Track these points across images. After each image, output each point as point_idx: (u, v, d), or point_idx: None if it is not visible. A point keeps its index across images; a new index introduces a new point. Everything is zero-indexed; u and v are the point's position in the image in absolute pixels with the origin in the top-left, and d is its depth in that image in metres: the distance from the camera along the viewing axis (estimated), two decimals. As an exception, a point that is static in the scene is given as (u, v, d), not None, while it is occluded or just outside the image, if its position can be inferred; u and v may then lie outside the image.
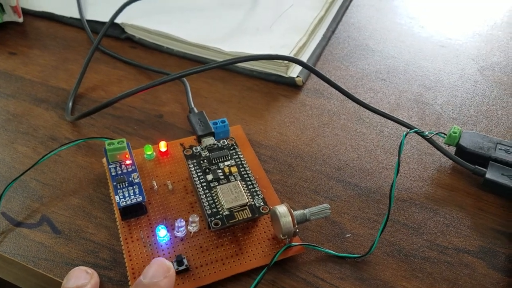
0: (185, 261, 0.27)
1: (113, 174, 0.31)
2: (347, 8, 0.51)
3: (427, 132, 0.33)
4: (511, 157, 0.32)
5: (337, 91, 0.37)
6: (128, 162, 0.31)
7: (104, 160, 0.33)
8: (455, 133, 0.33)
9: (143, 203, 0.29)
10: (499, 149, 0.33)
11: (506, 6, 0.51)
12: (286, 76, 0.41)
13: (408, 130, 0.31)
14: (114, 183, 0.30)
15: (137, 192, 0.30)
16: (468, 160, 0.33)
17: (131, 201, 0.29)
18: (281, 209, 0.28)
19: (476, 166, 0.32)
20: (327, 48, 0.46)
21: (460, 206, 0.32)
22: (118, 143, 0.31)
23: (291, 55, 0.42)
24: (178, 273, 0.27)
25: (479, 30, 0.48)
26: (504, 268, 0.28)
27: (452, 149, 0.34)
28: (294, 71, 0.42)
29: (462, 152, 0.33)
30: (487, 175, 0.31)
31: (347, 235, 0.30)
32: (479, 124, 0.38)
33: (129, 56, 0.44)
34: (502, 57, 0.45)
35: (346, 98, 0.37)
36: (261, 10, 0.48)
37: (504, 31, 0.48)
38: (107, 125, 0.37)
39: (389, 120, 0.36)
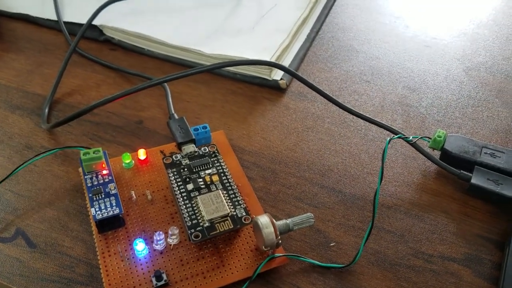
0: (164, 276, 0.26)
1: (89, 185, 0.30)
2: (331, 8, 0.50)
3: (411, 137, 0.33)
4: (496, 161, 0.32)
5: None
6: (104, 172, 0.30)
7: (81, 169, 0.32)
8: (440, 137, 0.33)
9: (120, 215, 0.28)
10: (485, 153, 0.33)
11: (492, 4, 0.51)
12: (270, 79, 0.40)
13: (392, 136, 0.31)
14: (90, 195, 0.29)
15: (114, 204, 0.29)
16: (454, 165, 0.33)
17: (107, 214, 0.28)
18: (263, 220, 0.27)
19: (462, 170, 0.32)
20: (311, 49, 0.45)
21: (446, 212, 0.31)
22: (93, 153, 0.30)
23: (274, 57, 0.41)
24: (157, 288, 0.26)
25: (464, 29, 0.47)
26: (490, 276, 0.28)
27: (437, 153, 0.34)
28: (278, 74, 0.41)
29: (447, 156, 0.33)
30: (473, 180, 0.31)
31: (331, 244, 0.30)
32: (464, 126, 0.37)
33: (108, 59, 0.43)
34: (487, 57, 0.44)
35: (331, 101, 0.36)
36: (244, 10, 0.47)
37: (490, 30, 0.47)
38: (85, 132, 0.36)
39: (373, 124, 0.36)
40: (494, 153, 0.33)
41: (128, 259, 0.28)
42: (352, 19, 0.49)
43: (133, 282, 0.27)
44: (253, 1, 0.48)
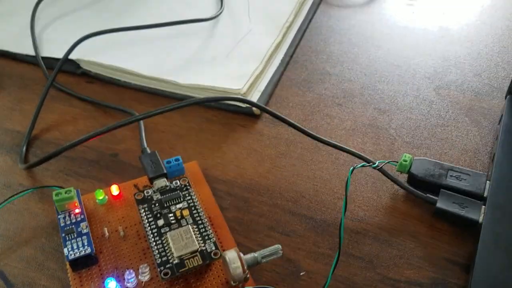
0: (135, 314, 0.27)
1: (62, 225, 0.30)
2: (304, 31, 0.51)
3: (377, 162, 0.33)
4: (462, 184, 0.33)
5: (294, 119, 0.37)
6: (77, 211, 0.31)
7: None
8: (406, 161, 0.34)
9: (92, 254, 0.29)
10: (450, 175, 0.33)
11: (463, 20, 0.52)
12: (244, 106, 0.41)
13: (355, 165, 0.31)
14: (63, 235, 0.30)
15: (85, 244, 0.29)
16: (420, 188, 0.33)
17: (79, 254, 0.29)
18: (230, 255, 0.28)
19: (428, 194, 0.33)
20: (285, 73, 0.46)
21: (413, 236, 0.32)
22: (65, 193, 0.31)
23: (248, 84, 0.42)
24: (128, 326, 0.27)
25: (435, 46, 0.48)
26: (456, 298, 0.29)
27: (404, 176, 0.34)
28: (252, 100, 0.42)
29: (413, 179, 0.34)
30: (438, 204, 0.32)
31: (301, 273, 0.30)
32: (433, 147, 0.38)
33: (86, 92, 0.44)
34: (458, 75, 0.45)
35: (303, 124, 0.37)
36: (218, 38, 0.48)
37: (461, 46, 0.48)
38: (61, 168, 0.37)
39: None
40: (459, 176, 0.33)
41: (101, 297, 0.28)
42: (326, 41, 0.50)
43: (106, 320, 0.27)
44: (227, 29, 0.49)
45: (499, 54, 0.47)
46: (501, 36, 0.50)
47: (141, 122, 0.39)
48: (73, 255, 0.29)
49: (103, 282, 0.29)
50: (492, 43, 0.49)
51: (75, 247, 0.29)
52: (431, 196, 0.32)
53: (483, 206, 0.31)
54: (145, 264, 0.29)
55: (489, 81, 0.44)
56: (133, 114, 0.40)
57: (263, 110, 0.37)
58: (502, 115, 0.38)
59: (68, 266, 0.30)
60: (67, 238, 0.30)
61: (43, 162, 0.35)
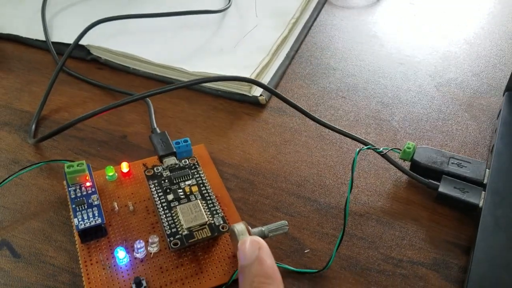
0: (143, 282, 0.27)
1: (73, 196, 0.31)
2: (310, 28, 0.52)
3: (381, 148, 0.34)
4: (463, 171, 0.34)
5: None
6: (88, 184, 0.31)
7: (65, 182, 0.33)
8: (409, 148, 0.35)
9: (102, 225, 0.29)
10: (452, 163, 0.34)
11: (462, 23, 0.53)
12: (250, 95, 0.42)
13: (362, 147, 0.32)
14: (73, 206, 0.30)
15: (96, 214, 0.30)
16: (423, 175, 0.34)
17: (90, 224, 0.29)
18: (239, 227, 0.28)
19: (430, 180, 0.34)
20: (290, 67, 0.47)
21: (415, 220, 0.33)
22: (77, 166, 0.31)
23: (254, 74, 0.43)
24: (137, 294, 0.27)
25: (437, 48, 0.50)
26: (456, 279, 0.29)
27: (407, 164, 0.35)
28: (258, 90, 0.43)
29: (416, 166, 0.35)
30: (440, 189, 0.33)
31: (306, 251, 0.31)
32: (434, 139, 0.39)
33: (95, 78, 0.44)
34: (458, 73, 0.46)
35: (308, 115, 0.38)
36: (225, 31, 0.49)
37: (461, 48, 0.50)
38: (70, 147, 0.37)
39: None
40: (460, 163, 0.34)
41: (109, 267, 0.29)
42: (330, 39, 0.51)
43: (114, 288, 0.28)
44: (234, 23, 0.50)
45: (496, 57, 0.49)
46: (498, 40, 0.51)
47: (151, 103, 0.40)
48: (83, 225, 0.29)
49: (112, 253, 0.29)
50: (490, 46, 0.50)
51: (85, 217, 0.30)
52: (433, 182, 0.33)
53: (483, 192, 0.32)
54: (155, 235, 0.29)
55: (487, 80, 0.45)
56: (146, 101, 0.41)
57: (272, 92, 0.38)
58: (500, 110, 0.39)
59: (76, 237, 0.30)
60: (78, 209, 0.30)
61: (53, 135, 0.35)
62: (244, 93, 0.42)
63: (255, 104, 0.42)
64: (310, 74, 0.46)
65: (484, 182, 0.33)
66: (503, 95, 0.41)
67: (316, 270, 0.29)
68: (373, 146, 0.34)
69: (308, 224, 0.33)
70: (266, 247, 0.26)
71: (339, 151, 0.38)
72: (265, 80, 0.44)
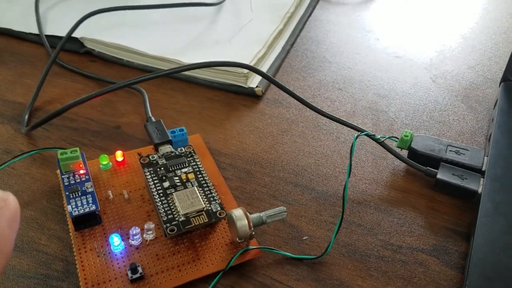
0: (139, 269, 0.27)
1: (66, 184, 0.30)
2: (305, 22, 0.52)
3: (379, 136, 0.34)
4: (461, 158, 0.34)
5: (295, 101, 0.38)
6: (81, 171, 0.31)
7: (58, 171, 0.32)
8: (407, 136, 0.34)
9: (96, 212, 0.29)
10: (450, 150, 0.34)
11: (459, 19, 0.54)
12: (246, 86, 0.42)
13: (359, 133, 0.32)
14: (67, 193, 0.29)
15: (90, 201, 0.29)
16: (421, 163, 0.34)
17: (83, 211, 0.28)
18: (237, 212, 0.28)
19: (428, 167, 0.33)
20: (286, 60, 0.47)
21: (414, 207, 0.32)
22: (71, 152, 0.31)
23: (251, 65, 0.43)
24: (132, 281, 0.27)
25: (432, 41, 0.50)
26: (456, 264, 0.29)
27: (404, 152, 0.35)
28: (254, 81, 0.42)
29: (414, 154, 0.34)
30: (438, 176, 0.32)
31: (304, 238, 0.30)
32: (431, 129, 0.39)
33: (89, 70, 0.44)
34: (453, 66, 0.46)
35: (304, 107, 0.38)
36: (221, 24, 0.49)
37: (456, 42, 0.50)
38: (63, 137, 0.37)
39: (345, 127, 0.37)
40: (458, 151, 0.34)
41: (104, 254, 0.28)
42: (326, 33, 0.51)
43: (109, 276, 0.27)
44: (230, 16, 0.50)
45: (491, 50, 0.49)
46: (493, 34, 0.51)
47: (145, 93, 0.39)
48: (77, 211, 0.28)
49: (107, 240, 0.29)
50: (485, 40, 0.50)
51: (79, 204, 0.29)
52: (431, 169, 0.33)
53: (482, 178, 0.32)
54: (150, 222, 0.29)
55: (483, 73, 0.46)
56: (140, 91, 0.40)
57: (270, 80, 0.38)
58: (497, 100, 0.39)
59: (70, 225, 0.30)
60: (71, 196, 0.29)
61: (45, 121, 0.35)
62: (240, 84, 0.42)
63: (251, 95, 0.42)
64: (306, 67, 0.46)
65: (483, 169, 0.33)
66: (499, 86, 0.41)
67: (315, 257, 0.29)
68: (370, 132, 0.34)
69: (306, 212, 0.32)
70: (10, 211, 0.19)
71: (336, 141, 0.38)
72: (261, 72, 0.44)
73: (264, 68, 0.45)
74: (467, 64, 0.47)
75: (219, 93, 0.42)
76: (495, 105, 0.39)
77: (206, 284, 0.27)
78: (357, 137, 0.31)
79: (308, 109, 0.38)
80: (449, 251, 0.30)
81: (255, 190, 0.34)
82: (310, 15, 0.54)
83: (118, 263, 0.28)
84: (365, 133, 0.33)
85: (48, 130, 0.37)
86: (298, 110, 0.41)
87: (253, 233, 0.28)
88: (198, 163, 0.32)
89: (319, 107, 0.39)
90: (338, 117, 0.36)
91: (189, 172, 0.32)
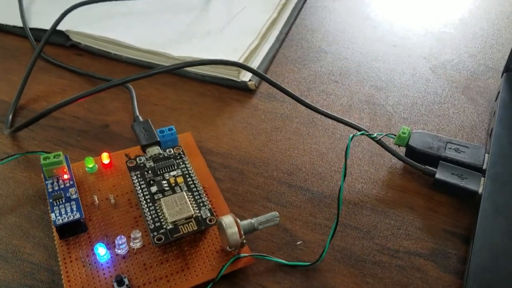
0: (125, 280, 0.26)
1: (50, 190, 0.29)
2: (300, 10, 0.50)
3: (375, 134, 0.33)
4: (461, 156, 0.32)
5: (290, 94, 0.36)
6: (65, 176, 0.30)
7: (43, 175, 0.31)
8: (404, 133, 0.33)
9: (81, 220, 0.28)
10: (449, 148, 0.33)
11: (458, 4, 0.52)
12: (238, 80, 0.40)
13: (355, 132, 0.31)
14: (50, 200, 0.28)
15: (74, 209, 0.28)
16: (419, 160, 0.33)
17: (67, 219, 0.27)
18: (227, 220, 0.27)
19: (426, 166, 0.32)
20: (280, 50, 0.45)
21: (411, 208, 0.31)
22: (54, 157, 0.29)
23: (243, 58, 0.41)
24: (119, 292, 0.26)
25: (431, 29, 0.48)
26: (455, 269, 0.28)
27: (402, 150, 0.34)
28: (247, 75, 0.41)
29: (412, 152, 0.33)
30: (437, 175, 0.31)
31: (298, 243, 0.29)
32: (430, 123, 0.38)
33: (75, 64, 0.42)
34: (454, 55, 0.45)
35: (299, 101, 0.36)
36: (212, 13, 0.47)
37: (456, 29, 0.48)
38: (49, 138, 0.36)
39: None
40: (458, 148, 0.33)
41: (90, 264, 0.27)
42: (321, 21, 0.49)
43: (95, 287, 0.26)
44: (221, 5, 0.48)
45: (493, 37, 0.47)
46: (494, 20, 0.50)
47: (133, 90, 0.38)
48: (60, 220, 0.27)
49: (93, 249, 0.28)
50: (487, 26, 0.49)
51: (63, 212, 0.28)
52: (429, 168, 0.32)
53: (483, 178, 0.31)
54: (137, 230, 0.28)
55: (484, 61, 0.44)
56: (128, 87, 0.39)
57: (262, 77, 0.36)
58: (499, 92, 0.37)
59: (55, 233, 0.28)
60: (55, 204, 0.28)
61: (29, 124, 0.34)
62: (232, 78, 0.40)
63: (244, 89, 0.40)
64: (301, 57, 0.44)
65: (484, 168, 0.32)
66: (502, 76, 0.39)
67: (309, 263, 0.28)
68: (367, 131, 0.32)
69: (300, 215, 0.31)
70: None
71: (332, 138, 0.36)
72: (255, 64, 0.42)
73: (258, 60, 0.43)
74: (468, 52, 0.45)
75: (211, 88, 0.41)
76: (497, 98, 0.38)
77: (196, 293, 0.27)
78: (352, 137, 0.30)
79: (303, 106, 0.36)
80: (448, 255, 0.29)
81: (248, 191, 0.32)
82: (305, 1, 0.52)
83: (104, 274, 0.27)
84: (361, 132, 0.31)
85: (33, 130, 0.36)
86: (292, 105, 0.39)
87: (244, 241, 0.27)
88: (188, 165, 0.31)
89: (314, 101, 0.38)
90: (334, 114, 0.35)
91: (178, 176, 0.30)
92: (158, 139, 0.32)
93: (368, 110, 0.39)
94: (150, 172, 0.30)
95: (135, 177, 0.30)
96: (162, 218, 0.28)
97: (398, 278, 0.28)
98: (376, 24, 0.49)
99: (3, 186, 0.32)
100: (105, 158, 0.32)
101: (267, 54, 0.44)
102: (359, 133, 0.31)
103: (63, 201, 0.28)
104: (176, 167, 0.31)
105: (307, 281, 0.27)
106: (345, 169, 0.28)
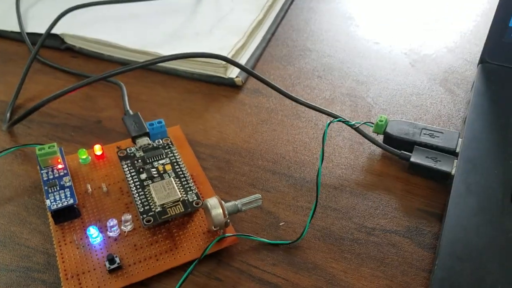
0: (116, 259, 0.27)
1: (45, 179, 0.31)
2: (286, 11, 0.52)
3: (353, 122, 0.34)
4: (435, 141, 0.34)
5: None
6: (60, 166, 0.31)
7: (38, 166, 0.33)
8: (382, 121, 0.35)
9: (74, 205, 0.29)
10: (424, 133, 0.35)
11: (437, 3, 0.54)
12: (226, 77, 0.42)
13: (332, 119, 0.33)
14: (46, 188, 0.30)
15: (68, 195, 0.30)
16: (396, 147, 0.34)
17: (62, 204, 0.29)
18: (212, 201, 0.28)
19: (402, 151, 0.34)
20: (266, 49, 0.47)
21: (389, 190, 0.33)
22: (49, 148, 0.31)
23: (230, 55, 0.43)
24: (110, 271, 0.27)
25: (411, 26, 0.50)
26: (429, 245, 0.30)
27: (380, 138, 0.36)
28: (234, 72, 0.43)
29: (389, 139, 0.35)
30: (412, 159, 0.33)
31: (280, 224, 0.31)
32: (408, 113, 0.39)
33: (70, 66, 0.44)
34: (433, 50, 0.47)
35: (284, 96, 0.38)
36: (200, 15, 0.49)
37: (435, 25, 0.50)
38: (44, 133, 0.37)
39: (323, 114, 0.38)
40: (433, 134, 0.35)
41: (83, 246, 0.29)
42: (306, 21, 0.51)
43: (88, 267, 0.28)
44: (210, 7, 0.50)
45: (471, 32, 0.49)
46: (473, 16, 0.51)
47: (123, 86, 0.40)
48: (55, 205, 0.29)
49: (86, 233, 0.29)
50: (465, 22, 0.50)
51: (57, 198, 0.30)
52: (405, 152, 0.34)
53: (455, 160, 0.32)
54: (128, 213, 0.29)
55: (462, 55, 0.46)
56: (119, 84, 0.41)
57: (247, 72, 0.38)
58: (474, 82, 0.39)
59: (50, 219, 0.30)
60: (50, 191, 0.30)
61: (26, 116, 0.35)
62: (220, 75, 0.42)
63: (231, 86, 0.42)
64: (287, 55, 0.46)
65: (457, 151, 0.33)
66: (477, 67, 0.41)
67: (290, 241, 0.29)
68: (343, 118, 0.34)
69: (283, 199, 0.33)
70: None
71: (315, 128, 0.38)
72: (241, 61, 0.44)
73: (244, 58, 0.45)
74: (447, 47, 0.47)
75: (199, 85, 0.43)
76: (472, 87, 0.40)
77: (184, 272, 0.28)
78: (329, 123, 0.31)
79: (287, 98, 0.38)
80: (422, 232, 0.30)
81: (234, 179, 0.34)
82: (291, 3, 0.54)
83: (96, 255, 0.28)
84: (338, 119, 0.33)
85: (30, 127, 0.38)
86: (277, 99, 0.41)
87: (228, 221, 0.28)
88: (176, 154, 0.33)
89: (298, 95, 0.39)
90: (315, 105, 0.36)
91: (166, 164, 0.32)
92: (148, 130, 0.34)
93: (349, 102, 0.41)
94: (139, 161, 0.32)
95: (126, 166, 0.32)
96: (151, 202, 0.29)
97: (374, 253, 0.29)
98: (359, 23, 0.51)
99: (2, 178, 0.34)
100: (98, 149, 0.34)
101: (254, 52, 0.46)
102: (336, 119, 0.33)
103: (58, 188, 0.30)
104: (164, 156, 0.33)
105: (289, 257, 0.29)
106: (323, 152, 0.30)
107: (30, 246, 0.30)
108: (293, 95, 0.37)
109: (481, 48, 0.46)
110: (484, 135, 0.34)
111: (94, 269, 0.28)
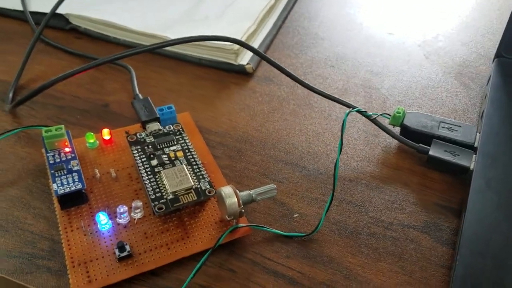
0: (127, 247, 0.26)
1: (51, 162, 0.29)
2: (297, -2, 0.51)
3: (371, 113, 0.33)
4: (453, 134, 0.33)
5: (286, 78, 0.37)
6: (67, 149, 0.30)
7: (43, 149, 0.32)
8: (399, 113, 0.34)
9: (83, 190, 0.28)
10: (442, 127, 0.34)
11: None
12: (236, 64, 0.41)
13: (351, 109, 0.32)
14: (52, 171, 0.29)
15: (76, 180, 0.28)
16: (413, 139, 0.34)
17: (69, 189, 0.28)
18: (226, 190, 0.27)
19: (420, 144, 0.33)
20: (277, 37, 0.46)
21: (405, 184, 0.32)
22: (56, 130, 0.30)
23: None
24: (120, 259, 0.26)
25: (426, 18, 0.49)
26: (448, 241, 0.29)
27: (397, 130, 0.35)
28: (244, 58, 0.41)
29: (406, 131, 0.34)
30: (431, 152, 0.32)
31: (294, 215, 0.30)
32: (424, 106, 0.38)
33: (74, 47, 0.43)
34: (447, 43, 0.46)
35: (296, 84, 0.37)
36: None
37: (450, 19, 0.49)
38: (49, 116, 0.36)
39: (337, 104, 0.37)
40: (451, 127, 0.34)
41: (91, 233, 0.28)
42: (318, 9, 0.50)
43: (96, 254, 0.27)
44: (220, -9, 0.49)
45: (485, 27, 0.48)
46: (487, 11, 0.51)
47: (132, 70, 0.38)
48: (62, 190, 0.28)
49: (94, 219, 0.28)
50: (479, 16, 0.50)
51: (65, 183, 0.28)
52: (423, 145, 0.33)
53: (474, 155, 0.32)
54: (138, 200, 0.28)
55: (476, 49, 0.45)
56: (127, 67, 0.39)
57: (261, 56, 0.37)
58: (490, 76, 0.38)
59: (56, 204, 0.29)
60: (56, 175, 0.29)
61: (29, 98, 0.34)
62: (230, 61, 0.41)
63: (241, 73, 0.41)
64: (298, 44, 0.45)
65: (475, 146, 0.32)
66: (493, 62, 0.40)
67: (305, 234, 0.29)
68: (361, 109, 0.33)
69: (296, 190, 0.32)
70: None
71: (328, 119, 0.37)
72: (252, 49, 0.43)
73: (255, 44, 0.44)
74: (461, 41, 0.46)
75: (208, 71, 0.41)
76: (488, 82, 0.39)
77: (195, 262, 0.27)
78: (348, 113, 0.30)
79: (299, 86, 0.37)
80: (441, 227, 0.30)
81: (245, 168, 0.33)
82: (302, -9, 0.52)
83: (105, 242, 0.27)
84: (356, 109, 0.32)
85: (33, 108, 0.36)
86: (289, 88, 0.40)
87: (243, 210, 0.27)
88: (187, 141, 0.32)
89: (311, 84, 0.38)
90: (330, 94, 0.35)
91: (178, 150, 0.31)
92: (158, 115, 0.33)
93: (363, 93, 0.40)
94: (150, 146, 0.31)
95: (136, 151, 0.31)
96: (162, 189, 0.28)
97: (392, 248, 0.28)
98: (372, 12, 0.49)
99: (4, 161, 0.33)
100: (106, 134, 0.33)
101: (265, 39, 0.44)
102: (355, 109, 0.32)
103: (65, 172, 0.29)
104: (175, 143, 0.31)
105: (304, 250, 0.28)
106: (341, 143, 0.29)
107: (34, 231, 0.28)
108: (308, 83, 0.36)
109: (496, 43, 0.45)
110: (502, 129, 0.33)
111: (103, 257, 0.27)
